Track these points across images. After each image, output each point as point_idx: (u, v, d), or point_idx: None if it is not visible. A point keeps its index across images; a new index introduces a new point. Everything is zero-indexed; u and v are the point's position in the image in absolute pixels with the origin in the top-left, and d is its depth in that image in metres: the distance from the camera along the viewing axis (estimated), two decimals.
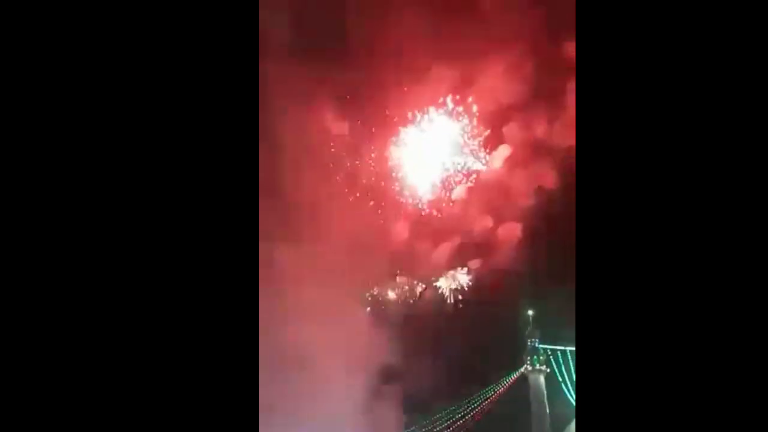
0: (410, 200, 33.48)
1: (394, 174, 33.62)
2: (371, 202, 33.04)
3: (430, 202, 33.48)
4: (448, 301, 34.44)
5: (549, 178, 32.40)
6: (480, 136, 32.85)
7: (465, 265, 34.40)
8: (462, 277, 34.38)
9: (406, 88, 31.58)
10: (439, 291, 34.69)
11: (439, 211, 33.60)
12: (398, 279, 34.35)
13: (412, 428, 34.11)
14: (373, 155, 33.33)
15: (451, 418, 36.31)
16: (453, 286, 34.48)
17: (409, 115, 32.37)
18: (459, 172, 33.45)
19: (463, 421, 36.58)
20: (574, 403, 40.58)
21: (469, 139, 32.95)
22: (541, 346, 40.40)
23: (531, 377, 40.19)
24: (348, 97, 31.90)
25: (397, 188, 33.61)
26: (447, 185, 33.62)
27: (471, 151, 33.02)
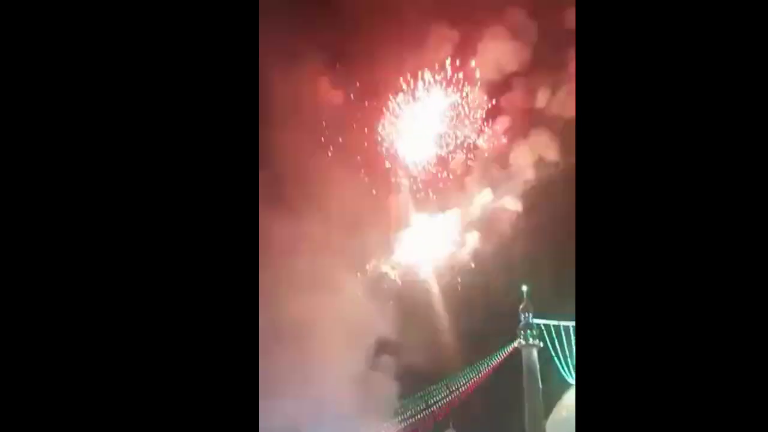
0: (407, 173, 33.12)
1: (389, 147, 33.23)
2: (366, 179, 32.67)
3: (427, 174, 33.15)
4: (448, 278, 34.32)
5: (550, 149, 32.07)
6: (480, 108, 32.38)
7: (462, 242, 34.27)
8: (461, 255, 34.25)
9: (404, 55, 30.94)
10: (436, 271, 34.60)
11: (436, 184, 33.31)
12: (395, 253, 34.21)
13: (407, 400, 34.40)
14: (365, 130, 32.88)
15: (445, 390, 36.67)
16: (451, 265, 34.37)
17: (402, 82, 31.73)
18: (458, 146, 33.06)
19: (457, 394, 36.95)
20: (566, 377, 41.22)
21: (469, 110, 32.49)
22: (534, 320, 40.75)
23: (524, 351, 40.65)
24: (338, 65, 31.23)
25: (393, 161, 33.24)
26: (445, 157, 33.26)
27: (470, 122, 32.60)
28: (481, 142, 32.62)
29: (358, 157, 31.98)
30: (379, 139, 32.74)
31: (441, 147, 33.31)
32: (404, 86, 31.88)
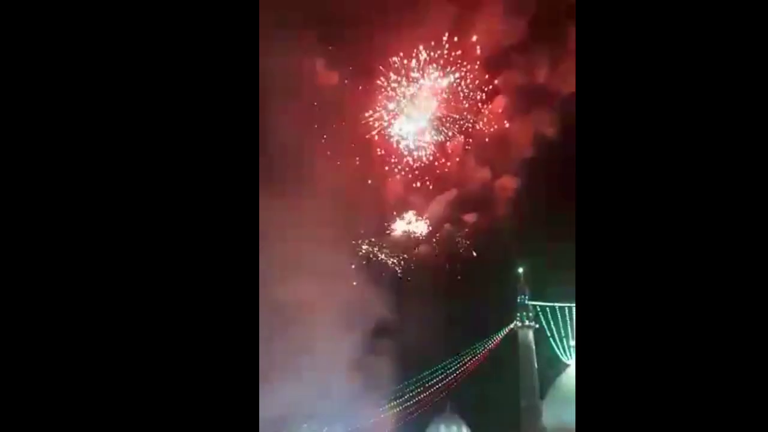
0: (403, 156, 32.80)
1: (384, 131, 32.84)
2: (360, 164, 32.28)
3: (425, 154, 32.85)
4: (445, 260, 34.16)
5: (549, 125, 31.73)
6: (479, 87, 32.01)
7: (461, 222, 34.04)
8: (458, 237, 34.03)
9: (402, 32, 30.41)
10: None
11: (434, 164, 33.02)
12: (392, 235, 34.05)
13: (405, 383, 34.46)
14: (360, 114, 32.45)
15: (443, 372, 36.75)
16: (448, 246, 34.09)
17: (396, 60, 31.17)
18: (457, 127, 32.69)
19: (455, 376, 37.05)
20: (561, 358, 41.44)
21: (468, 91, 32.11)
22: (530, 302, 40.83)
23: (520, 333, 40.73)
24: (331, 48, 30.71)
25: (390, 144, 32.89)
26: (443, 138, 32.92)
27: (469, 103, 32.22)
28: (480, 124, 32.32)
29: (353, 145, 31.65)
30: (375, 123, 32.42)
31: (438, 129, 33.00)
32: (400, 68, 31.46)
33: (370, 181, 31.71)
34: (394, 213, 33.84)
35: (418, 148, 32.83)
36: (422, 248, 34.26)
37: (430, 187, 32.71)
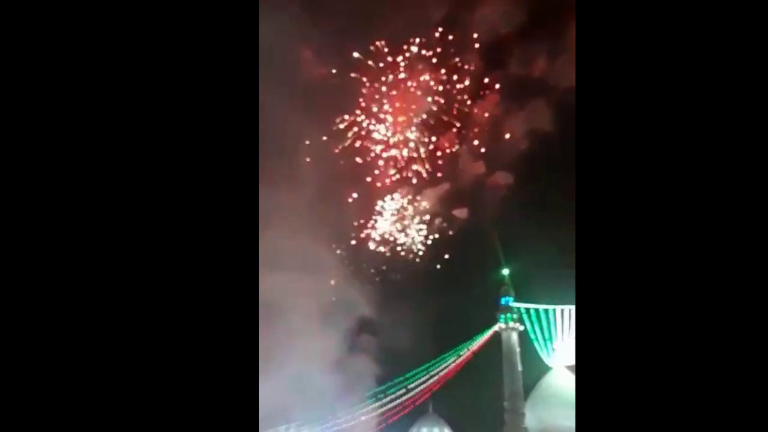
0: (396, 149, 32.31)
1: (375, 121, 32.42)
2: (350, 158, 31.86)
3: (416, 149, 32.44)
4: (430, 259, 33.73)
5: (545, 119, 31.60)
6: (475, 79, 31.73)
7: (450, 219, 33.67)
8: (447, 235, 33.63)
9: (398, 21, 30.04)
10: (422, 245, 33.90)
11: (425, 158, 32.65)
12: (376, 230, 33.55)
13: (387, 384, 34.12)
14: (351, 105, 32.07)
15: (426, 373, 36.52)
16: (435, 245, 33.68)
17: (385, 46, 30.74)
18: (450, 121, 32.35)
19: (438, 377, 36.83)
20: (545, 360, 41.49)
21: (459, 83, 31.83)
22: (514, 304, 40.80)
23: (504, 335, 40.70)
24: (320, 41, 30.26)
25: (382, 135, 32.41)
26: (434, 131, 32.59)
27: (460, 103, 31.95)
28: (475, 120, 32.13)
29: (336, 150, 31.25)
30: (356, 128, 32.06)
31: (432, 122, 32.72)
32: (386, 67, 31.18)
33: (355, 195, 31.34)
34: (377, 210, 33.46)
35: (408, 160, 32.58)
36: (407, 247, 33.88)
37: (419, 199, 32.42)
